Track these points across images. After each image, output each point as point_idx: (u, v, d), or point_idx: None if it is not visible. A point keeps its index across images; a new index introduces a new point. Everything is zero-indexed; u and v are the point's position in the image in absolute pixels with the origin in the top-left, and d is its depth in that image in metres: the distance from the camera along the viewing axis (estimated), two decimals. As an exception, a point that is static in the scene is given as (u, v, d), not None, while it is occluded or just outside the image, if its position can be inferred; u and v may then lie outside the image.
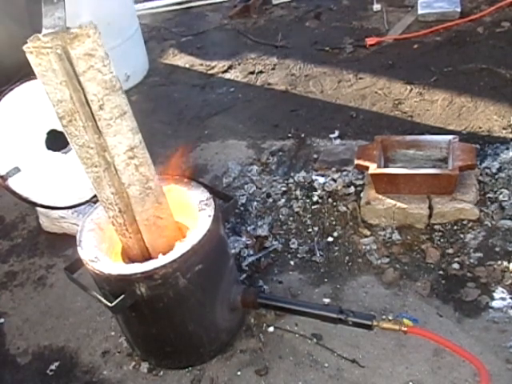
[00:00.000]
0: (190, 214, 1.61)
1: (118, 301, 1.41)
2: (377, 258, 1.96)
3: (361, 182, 2.23)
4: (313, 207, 2.22)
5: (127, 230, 1.47)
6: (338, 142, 2.57)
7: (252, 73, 3.31)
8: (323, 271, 1.96)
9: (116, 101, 1.24)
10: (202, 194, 1.61)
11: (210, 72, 3.44)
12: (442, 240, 1.97)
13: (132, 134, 1.31)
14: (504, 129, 2.41)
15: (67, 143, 1.77)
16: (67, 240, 2.24)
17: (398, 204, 2.02)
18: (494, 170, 2.15)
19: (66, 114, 1.23)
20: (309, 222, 2.17)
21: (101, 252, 1.53)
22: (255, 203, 2.30)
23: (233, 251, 2.03)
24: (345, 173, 2.31)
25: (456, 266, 1.86)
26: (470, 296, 1.76)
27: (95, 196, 1.76)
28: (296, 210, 2.22)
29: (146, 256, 1.53)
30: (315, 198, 2.24)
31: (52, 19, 1.20)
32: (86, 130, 1.25)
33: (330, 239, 2.08)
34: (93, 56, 1.17)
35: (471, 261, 1.87)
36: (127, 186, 1.38)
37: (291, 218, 2.20)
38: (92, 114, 1.24)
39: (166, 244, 1.50)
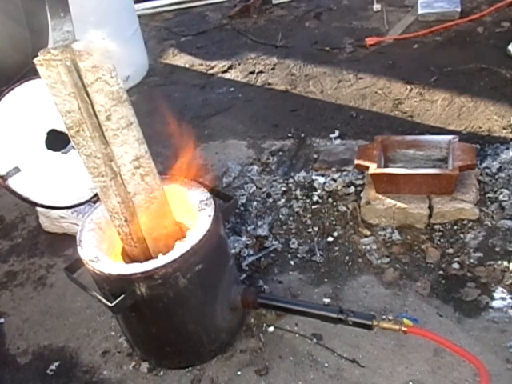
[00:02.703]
0: (190, 214, 1.61)
1: (118, 301, 1.41)
2: (377, 258, 1.96)
3: (361, 182, 2.23)
4: (313, 207, 2.22)
5: (132, 239, 1.49)
6: (338, 142, 2.57)
7: (252, 73, 3.31)
8: (323, 271, 1.96)
9: (123, 111, 1.27)
10: (202, 194, 1.61)
11: (210, 72, 3.44)
12: (441, 240, 1.97)
13: (138, 144, 1.34)
14: (504, 129, 2.41)
15: (67, 143, 1.77)
16: (67, 240, 2.24)
17: (398, 204, 2.02)
18: (494, 170, 2.15)
19: (74, 125, 1.26)
20: (309, 221, 2.17)
21: (101, 252, 1.53)
22: (255, 203, 2.30)
23: (233, 251, 2.03)
24: (345, 173, 2.31)
25: (456, 265, 1.86)
26: (470, 296, 1.76)
27: (95, 196, 1.76)
28: (296, 209, 2.22)
29: (149, 258, 1.53)
30: (315, 198, 2.24)
31: (61, 33, 1.23)
32: (94, 140, 1.28)
33: (330, 239, 2.08)
34: (100, 68, 1.20)
35: (471, 261, 1.87)
36: (133, 196, 1.40)
37: (291, 218, 2.20)
38: (99, 124, 1.27)
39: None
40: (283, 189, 2.34)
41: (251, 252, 2.07)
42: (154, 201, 1.44)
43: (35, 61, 1.19)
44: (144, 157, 1.37)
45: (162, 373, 1.74)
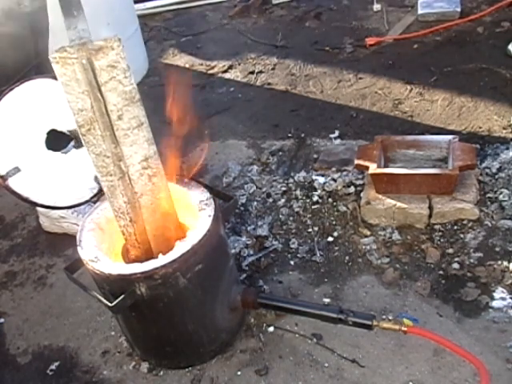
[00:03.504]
0: (190, 213, 1.61)
1: (118, 301, 1.41)
2: (377, 258, 1.96)
3: (361, 182, 2.23)
4: (313, 207, 2.22)
5: (137, 239, 1.50)
6: (338, 142, 2.57)
7: (252, 73, 3.31)
8: (323, 271, 1.96)
9: (134, 112, 1.29)
10: (202, 194, 1.61)
11: (210, 72, 3.44)
12: (441, 240, 1.97)
13: (148, 144, 1.35)
14: (504, 129, 2.41)
15: (67, 143, 1.77)
16: (67, 240, 2.24)
17: (398, 204, 2.02)
18: (494, 170, 2.15)
19: (86, 123, 1.27)
20: (309, 221, 2.17)
21: (101, 252, 1.53)
22: (255, 203, 2.30)
23: (233, 251, 2.03)
24: (345, 173, 2.31)
25: (456, 265, 1.86)
26: (470, 296, 1.76)
27: (95, 196, 1.77)
28: (296, 209, 2.22)
29: (151, 259, 1.53)
30: (315, 198, 2.24)
31: (76, 31, 1.24)
32: (104, 139, 1.29)
33: (330, 239, 2.08)
34: (115, 67, 1.21)
35: (471, 261, 1.87)
36: (140, 196, 1.41)
37: (291, 218, 2.20)
38: (111, 123, 1.28)
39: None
40: (283, 189, 2.34)
41: (251, 252, 2.07)
42: (160, 202, 1.45)
43: (51, 58, 1.19)
44: (153, 157, 1.38)
45: (161, 373, 1.74)
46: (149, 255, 1.52)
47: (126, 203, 1.41)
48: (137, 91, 1.28)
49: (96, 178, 1.74)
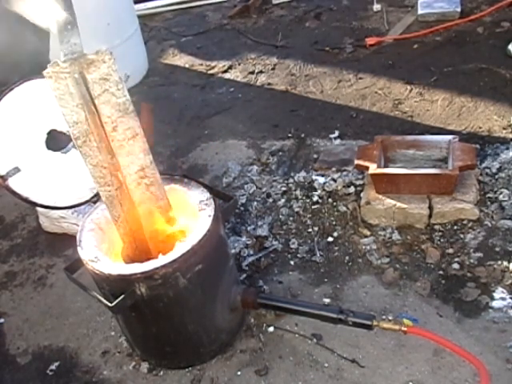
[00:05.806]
0: (190, 213, 1.61)
1: (118, 301, 1.41)
2: (377, 258, 1.96)
3: (361, 182, 2.23)
4: (313, 207, 2.22)
5: (137, 247, 1.51)
6: (338, 142, 2.57)
7: (252, 73, 3.31)
8: (323, 271, 1.96)
9: (129, 123, 1.30)
10: (202, 194, 1.61)
11: (210, 72, 3.44)
12: (441, 240, 1.97)
13: (143, 154, 1.37)
14: (504, 129, 2.41)
15: (67, 143, 1.77)
16: (67, 240, 2.24)
17: (398, 204, 2.02)
18: (494, 170, 2.15)
19: (81, 135, 1.28)
20: (309, 221, 2.17)
21: (101, 252, 1.53)
22: (255, 203, 2.30)
23: (233, 251, 2.03)
24: (345, 173, 2.31)
25: (456, 265, 1.86)
26: (470, 296, 1.76)
27: (95, 196, 1.77)
28: (296, 209, 2.22)
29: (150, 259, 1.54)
30: (315, 198, 2.24)
31: (69, 45, 1.26)
32: (100, 150, 1.31)
33: (330, 239, 2.08)
34: (107, 80, 1.23)
35: (471, 261, 1.87)
36: (138, 205, 1.43)
37: (291, 218, 2.20)
38: (106, 135, 1.30)
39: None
40: (283, 189, 2.34)
41: (251, 252, 2.07)
42: (158, 210, 1.45)
43: (44, 73, 1.21)
44: (149, 167, 1.39)
45: (161, 373, 1.74)
46: (148, 257, 1.53)
47: (125, 212, 1.43)
48: (130, 103, 1.29)
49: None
